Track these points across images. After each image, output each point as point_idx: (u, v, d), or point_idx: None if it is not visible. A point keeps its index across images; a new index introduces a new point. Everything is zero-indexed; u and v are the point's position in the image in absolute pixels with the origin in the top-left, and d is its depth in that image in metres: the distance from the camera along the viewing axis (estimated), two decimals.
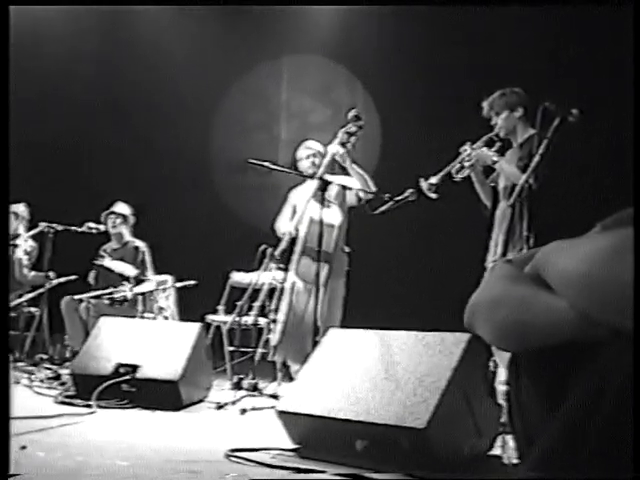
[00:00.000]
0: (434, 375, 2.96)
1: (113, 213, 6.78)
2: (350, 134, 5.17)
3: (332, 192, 5.24)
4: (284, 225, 5.49)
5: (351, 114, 5.18)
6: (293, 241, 5.25)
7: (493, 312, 1.19)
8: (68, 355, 6.15)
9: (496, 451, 3.16)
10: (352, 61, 8.06)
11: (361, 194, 5.22)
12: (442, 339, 3.12)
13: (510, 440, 2.99)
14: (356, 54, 7.90)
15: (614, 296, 0.96)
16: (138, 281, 6.46)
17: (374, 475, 2.69)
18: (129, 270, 6.49)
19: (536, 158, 3.97)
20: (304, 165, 5.48)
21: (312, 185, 5.25)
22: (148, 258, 6.69)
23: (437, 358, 3.04)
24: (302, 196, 5.47)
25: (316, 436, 3.13)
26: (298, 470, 2.80)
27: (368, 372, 3.15)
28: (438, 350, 3.07)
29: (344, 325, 4.96)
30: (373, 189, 5.17)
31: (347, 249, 5.36)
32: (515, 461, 2.98)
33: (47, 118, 8.15)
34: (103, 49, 8.41)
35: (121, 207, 6.82)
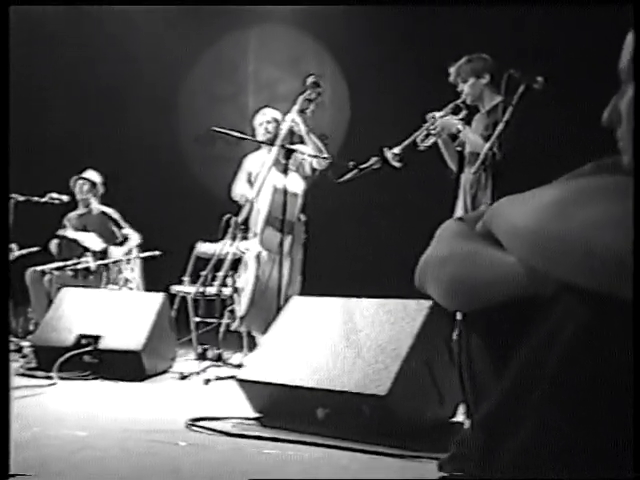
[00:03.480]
0: (396, 342, 2.95)
1: (82, 179, 6.67)
2: (309, 100, 5.09)
3: (291, 160, 5.18)
4: (240, 191, 5.43)
5: (310, 80, 5.09)
6: (251, 210, 5.19)
7: (440, 270, 1.16)
8: (31, 328, 6.07)
9: (459, 418, 3.16)
10: (320, 31, 7.97)
11: (315, 164, 5.16)
12: (404, 306, 3.10)
13: None
14: (324, 24, 7.81)
15: (564, 248, 0.92)
16: (122, 241, 6.40)
17: None
18: (95, 243, 6.37)
19: (500, 126, 3.95)
20: (259, 132, 5.42)
21: (269, 152, 5.19)
22: (119, 218, 6.59)
23: (399, 325, 3.02)
24: (256, 162, 5.42)
25: (277, 404, 3.11)
26: (259, 438, 2.78)
27: (330, 340, 3.13)
28: (400, 317, 3.05)
29: (303, 294, 4.93)
30: (327, 157, 5.09)
31: (303, 217, 5.31)
32: None
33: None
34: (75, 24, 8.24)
35: (91, 174, 6.69)
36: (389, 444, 2.67)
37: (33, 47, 8.02)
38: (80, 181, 6.65)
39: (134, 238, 6.47)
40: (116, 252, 6.35)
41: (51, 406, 3.40)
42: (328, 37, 7.92)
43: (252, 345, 5.29)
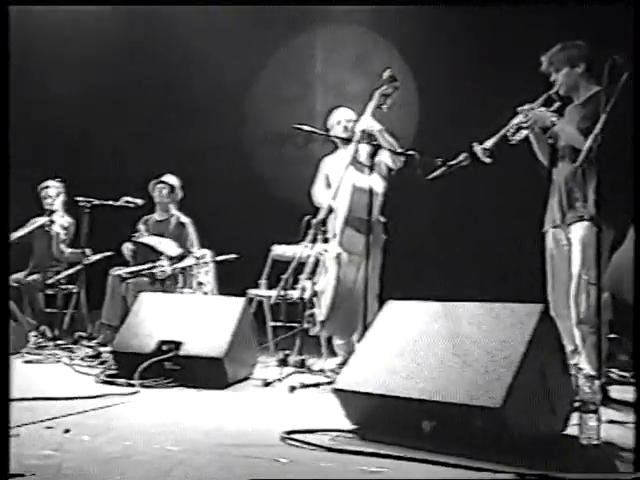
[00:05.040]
0: (507, 349, 2.72)
1: (161, 182, 6.58)
2: (386, 96, 4.90)
3: (365, 159, 4.96)
4: (319, 194, 5.26)
5: (386, 74, 4.89)
6: (331, 210, 4.99)
7: None
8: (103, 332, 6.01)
9: (570, 431, 2.92)
10: (388, 30, 7.80)
11: (390, 163, 4.95)
12: (513, 310, 2.88)
13: (589, 419, 2.75)
14: (391, 23, 7.64)
15: None
16: (181, 257, 6.23)
17: None
18: (171, 249, 6.24)
19: (603, 117, 3.68)
20: (337, 130, 5.20)
21: (345, 153, 5.01)
22: (194, 234, 6.48)
23: (509, 331, 2.79)
24: (334, 164, 5.22)
25: (378, 416, 2.91)
26: (371, 455, 2.56)
27: (433, 347, 2.91)
28: (510, 323, 2.83)
29: (381, 297, 4.72)
30: (402, 159, 4.86)
31: (383, 219, 5.10)
32: (596, 442, 2.74)
33: (86, 97, 8.14)
34: (140, 30, 8.24)
35: (170, 178, 6.61)
36: (502, 460, 2.46)
37: (117, 53, 8.12)
38: (159, 185, 6.58)
39: (189, 259, 6.24)
40: (188, 259, 6.22)
41: (136, 417, 3.26)
42: (396, 36, 7.74)
43: (331, 350, 5.13)
